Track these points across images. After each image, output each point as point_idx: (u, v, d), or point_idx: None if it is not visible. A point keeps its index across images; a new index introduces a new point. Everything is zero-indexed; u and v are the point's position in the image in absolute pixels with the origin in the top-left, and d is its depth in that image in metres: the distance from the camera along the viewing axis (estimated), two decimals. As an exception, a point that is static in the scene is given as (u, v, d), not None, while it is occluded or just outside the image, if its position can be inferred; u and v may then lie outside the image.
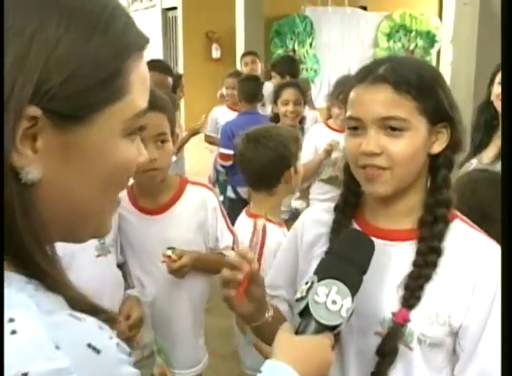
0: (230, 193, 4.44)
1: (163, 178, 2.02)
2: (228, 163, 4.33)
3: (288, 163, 2.18)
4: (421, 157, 1.23)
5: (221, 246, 2.15)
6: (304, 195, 3.92)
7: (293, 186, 2.23)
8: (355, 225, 1.34)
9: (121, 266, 2.09)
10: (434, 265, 1.22)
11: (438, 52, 11.83)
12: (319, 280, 1.07)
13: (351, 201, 1.35)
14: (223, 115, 5.02)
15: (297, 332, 1.05)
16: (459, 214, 1.32)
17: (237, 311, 1.22)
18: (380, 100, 1.19)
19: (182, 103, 11.56)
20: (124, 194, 2.09)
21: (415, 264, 1.23)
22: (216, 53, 11.28)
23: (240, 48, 8.37)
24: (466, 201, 1.74)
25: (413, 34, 11.65)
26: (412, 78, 1.19)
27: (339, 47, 11.17)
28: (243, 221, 2.25)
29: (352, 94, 1.24)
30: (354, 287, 1.07)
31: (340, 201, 1.37)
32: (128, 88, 0.69)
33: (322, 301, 1.04)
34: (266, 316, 1.25)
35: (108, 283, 1.92)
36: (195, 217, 2.11)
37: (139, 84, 0.71)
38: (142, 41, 0.72)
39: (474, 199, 1.70)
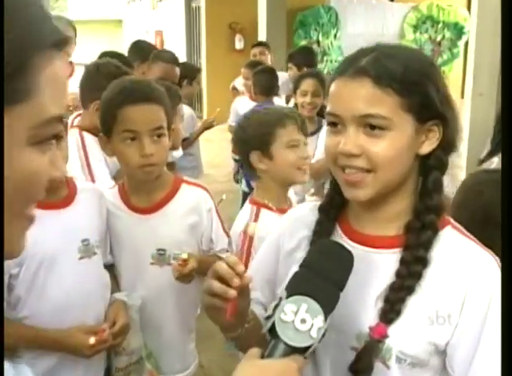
0: (244, 187, 4.36)
1: (158, 175, 1.93)
2: (240, 155, 4.24)
3: (246, 147, 2.09)
4: (407, 158, 1.12)
5: (218, 248, 2.07)
6: (320, 191, 3.82)
7: (273, 172, 2.07)
8: (338, 229, 1.24)
9: (110, 267, 2.00)
10: (418, 277, 1.11)
11: (466, 44, 11.55)
12: (288, 297, 0.97)
13: (337, 202, 1.24)
14: (243, 105, 4.94)
15: (263, 355, 0.95)
16: (452, 220, 1.20)
17: (217, 322, 1.11)
18: (359, 96, 1.08)
19: (204, 94, 11.55)
20: (114, 191, 2.02)
21: (398, 274, 1.12)
22: (239, 44, 11.20)
23: (262, 39, 8.26)
24: (470, 204, 1.63)
25: (440, 25, 11.41)
26: (397, 71, 1.07)
27: (364, 38, 10.97)
28: (245, 207, 2.16)
29: (332, 87, 1.13)
30: (327, 305, 0.96)
31: (325, 201, 1.27)
32: (35, 89, 0.59)
33: (290, 320, 0.94)
34: (246, 326, 1.15)
35: (93, 287, 1.83)
36: (188, 218, 2.01)
37: (51, 88, 0.61)
38: (57, 38, 0.62)
39: (478, 202, 1.60)
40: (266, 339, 0.98)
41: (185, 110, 4.87)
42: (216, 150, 8.22)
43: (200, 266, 1.90)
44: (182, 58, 11.68)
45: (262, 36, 8.45)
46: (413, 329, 1.10)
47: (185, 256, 1.86)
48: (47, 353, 1.74)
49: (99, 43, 13.61)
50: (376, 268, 1.15)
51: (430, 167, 1.15)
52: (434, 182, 1.14)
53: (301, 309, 0.95)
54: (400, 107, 1.07)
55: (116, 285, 1.99)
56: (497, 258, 1.13)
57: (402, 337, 1.10)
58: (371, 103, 1.07)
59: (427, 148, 1.13)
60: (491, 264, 1.12)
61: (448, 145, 1.15)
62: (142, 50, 4.53)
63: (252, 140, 2.07)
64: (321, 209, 1.26)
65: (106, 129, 1.88)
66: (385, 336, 1.10)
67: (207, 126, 4.72)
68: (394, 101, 1.07)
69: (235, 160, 4.48)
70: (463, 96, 11.23)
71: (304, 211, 1.34)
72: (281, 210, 2.02)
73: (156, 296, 2.00)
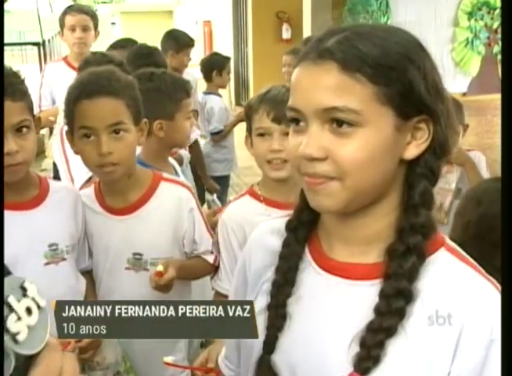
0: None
1: (129, 174, 1.77)
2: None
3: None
4: (386, 162, 0.88)
5: (201, 250, 1.92)
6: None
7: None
8: (308, 254, 1.00)
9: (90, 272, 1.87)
10: (400, 315, 0.88)
11: (526, 32, 11.03)
12: None
13: (306, 217, 1.01)
14: None
15: None
16: (447, 240, 0.97)
17: None
18: (322, 85, 0.86)
19: (250, 83, 11.39)
20: (90, 191, 1.87)
21: (376, 311, 0.89)
22: (286, 34, 10.97)
23: (307, 29, 8.02)
24: (468, 213, 1.44)
25: (497, 11, 10.87)
26: (370, 53, 0.85)
27: (416, 26, 10.59)
28: None
29: (293, 76, 0.92)
30: None
31: (292, 218, 1.03)
32: None
33: None
34: None
35: (59, 296, 1.56)
36: (168, 219, 1.85)
37: None
38: None
39: (475, 212, 1.40)
40: None
41: (217, 101, 4.73)
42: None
43: (182, 272, 1.79)
44: (229, 48, 11.59)
45: (307, 25, 8.20)
46: None
47: (160, 268, 1.71)
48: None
49: (151, 34, 13.64)
50: (352, 303, 0.93)
51: (418, 175, 0.92)
52: (421, 195, 0.91)
53: None
54: (374, 98, 0.85)
55: (93, 292, 1.86)
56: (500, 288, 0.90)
57: None
58: (337, 94, 0.85)
59: (413, 151, 0.90)
60: (493, 300, 0.89)
61: (439, 147, 0.92)
62: (175, 39, 4.42)
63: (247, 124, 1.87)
64: (288, 227, 1.03)
65: (69, 125, 1.75)
66: None
67: (241, 119, 4.56)
68: (367, 90, 0.85)
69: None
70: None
71: (263, 234, 1.12)
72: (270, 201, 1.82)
73: None
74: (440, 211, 2.35)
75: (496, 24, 11.09)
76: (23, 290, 0.75)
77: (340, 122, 0.86)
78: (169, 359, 1.70)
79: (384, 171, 0.89)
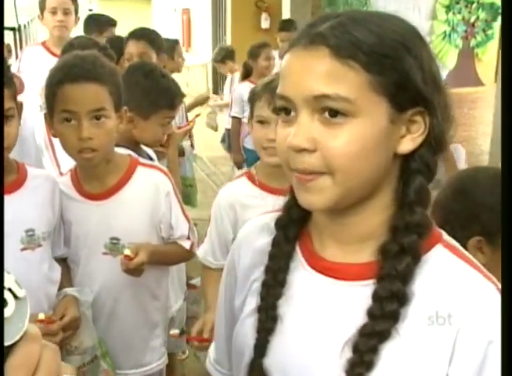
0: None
1: (108, 160, 1.77)
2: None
3: None
4: (380, 156, 0.84)
5: (177, 235, 1.92)
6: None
7: None
8: (299, 253, 0.97)
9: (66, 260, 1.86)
10: (394, 318, 0.84)
11: (502, 26, 11.13)
12: None
13: (296, 215, 0.97)
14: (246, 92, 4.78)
15: None
16: (444, 235, 0.93)
17: None
18: (313, 71, 0.81)
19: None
20: (67, 177, 1.86)
21: (369, 314, 0.85)
22: (265, 23, 10.93)
23: (287, 18, 7.99)
24: (444, 203, 1.44)
25: (475, 5, 10.92)
26: (366, 40, 0.81)
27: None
28: None
29: (283, 62, 0.87)
30: None
31: (282, 216, 0.99)
32: None
33: None
34: None
35: (34, 282, 1.65)
36: (145, 203, 1.86)
37: None
38: None
39: (460, 202, 1.40)
40: None
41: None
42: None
43: (155, 257, 1.79)
44: (208, 36, 11.51)
45: (286, 15, 8.17)
46: None
47: (127, 252, 1.71)
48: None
49: (129, 21, 13.49)
50: (344, 305, 0.89)
51: (413, 171, 0.87)
52: (416, 191, 0.87)
53: None
54: (368, 87, 0.81)
55: (68, 279, 1.85)
56: (499, 285, 0.86)
57: None
58: (328, 81, 0.81)
59: (408, 145, 0.86)
60: (491, 298, 0.85)
61: (436, 142, 0.87)
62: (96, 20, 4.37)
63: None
64: (278, 225, 0.99)
65: (49, 108, 1.73)
66: None
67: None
68: (360, 78, 0.81)
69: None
70: (496, 80, 10.86)
71: (251, 232, 1.08)
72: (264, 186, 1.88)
73: (110, 289, 1.86)
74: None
75: (474, 18, 11.17)
76: None
77: (331, 112, 0.82)
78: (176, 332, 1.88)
79: (377, 166, 0.85)
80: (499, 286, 0.87)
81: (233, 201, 1.87)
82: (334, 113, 0.82)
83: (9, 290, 0.73)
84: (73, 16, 3.76)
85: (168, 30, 11.20)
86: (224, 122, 5.99)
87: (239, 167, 4.86)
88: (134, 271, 1.75)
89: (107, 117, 1.70)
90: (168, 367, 2.23)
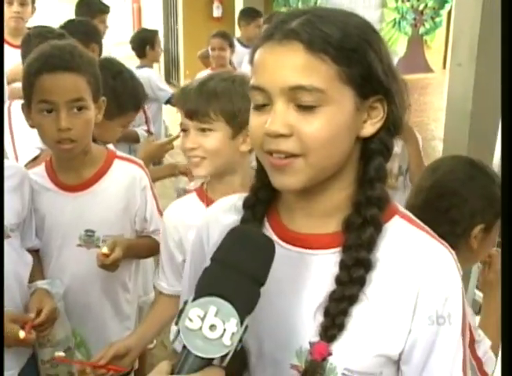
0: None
1: (85, 151, 1.76)
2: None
3: None
4: (346, 140, 0.94)
5: (151, 229, 1.93)
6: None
7: None
8: (268, 227, 1.05)
9: (37, 252, 1.85)
10: (361, 283, 0.95)
11: (449, 14, 11.35)
12: (194, 299, 0.81)
13: (264, 196, 1.05)
14: None
15: (173, 371, 0.79)
16: (399, 207, 1.04)
17: None
18: (288, 64, 0.90)
19: (181, 62, 11.27)
20: (41, 168, 1.84)
21: (338, 281, 0.95)
22: (217, 12, 10.88)
23: (239, 7, 7.99)
24: (422, 182, 1.51)
25: (424, -7, 11.18)
26: (334, 35, 0.90)
27: (345, 6, 10.68)
28: None
29: (256, 56, 0.95)
30: (243, 304, 0.80)
31: (249, 196, 1.07)
32: None
33: (197, 327, 0.78)
34: None
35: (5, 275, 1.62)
36: (121, 196, 1.86)
37: None
38: None
39: (429, 179, 1.47)
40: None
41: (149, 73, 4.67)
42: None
43: (130, 251, 1.80)
44: (159, 25, 11.38)
45: (239, 3, 8.17)
46: (360, 343, 0.95)
47: (105, 251, 1.71)
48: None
49: (72, 10, 13.21)
50: (314, 272, 0.99)
51: (373, 151, 0.98)
52: (376, 170, 0.98)
53: (209, 312, 0.79)
54: (337, 78, 0.90)
55: (39, 271, 1.84)
56: (452, 250, 1.00)
57: (347, 353, 0.95)
58: (303, 73, 0.89)
59: (369, 129, 0.96)
60: (445, 259, 0.98)
61: (393, 125, 0.98)
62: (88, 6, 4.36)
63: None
64: (246, 205, 1.07)
65: (26, 98, 1.71)
66: (327, 355, 0.95)
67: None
68: (331, 70, 0.90)
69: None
70: (444, 67, 11.10)
71: (217, 212, 1.14)
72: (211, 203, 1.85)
73: (83, 280, 1.86)
74: (390, 176, 2.43)
75: (422, 6, 11.39)
76: None
77: (304, 101, 0.90)
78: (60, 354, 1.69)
79: (344, 149, 0.95)
80: (451, 249, 1.00)
81: (176, 222, 1.69)
82: (306, 102, 0.90)
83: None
84: (30, 7, 3.69)
85: (118, 20, 11.04)
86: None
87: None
88: (110, 266, 1.75)
89: (86, 107, 1.69)
90: (139, 358, 2.24)
